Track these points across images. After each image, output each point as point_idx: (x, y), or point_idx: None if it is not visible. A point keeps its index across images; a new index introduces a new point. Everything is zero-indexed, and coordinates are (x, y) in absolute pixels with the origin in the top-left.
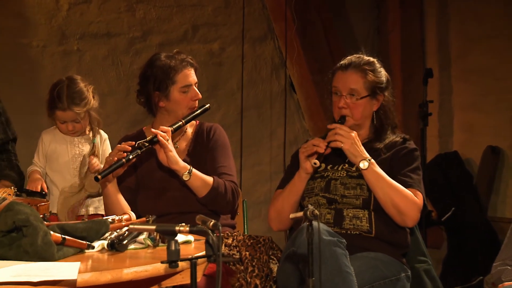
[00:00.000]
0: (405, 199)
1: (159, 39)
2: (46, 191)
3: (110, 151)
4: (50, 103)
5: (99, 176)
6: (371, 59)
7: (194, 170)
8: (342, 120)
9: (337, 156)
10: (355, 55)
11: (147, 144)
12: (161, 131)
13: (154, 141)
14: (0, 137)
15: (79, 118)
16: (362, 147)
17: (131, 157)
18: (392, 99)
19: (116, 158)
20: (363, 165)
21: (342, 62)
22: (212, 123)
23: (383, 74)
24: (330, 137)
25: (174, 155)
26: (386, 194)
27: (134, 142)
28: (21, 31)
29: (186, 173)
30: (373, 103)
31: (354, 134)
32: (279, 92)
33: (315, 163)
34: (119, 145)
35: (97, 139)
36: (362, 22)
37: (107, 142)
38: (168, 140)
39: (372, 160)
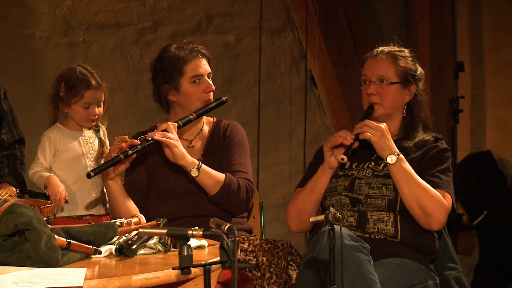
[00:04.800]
0: (433, 200)
1: (170, 30)
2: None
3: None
4: (75, 86)
5: (91, 173)
6: (403, 48)
7: (203, 166)
8: (370, 109)
9: (363, 154)
10: (386, 46)
11: (149, 138)
12: (162, 129)
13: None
14: (6, 137)
15: (103, 98)
16: (392, 142)
17: (130, 152)
18: (426, 96)
19: (113, 154)
20: (390, 159)
21: (372, 51)
22: (230, 121)
23: (416, 64)
24: (357, 129)
25: (180, 150)
26: (412, 193)
27: (138, 141)
28: (23, 21)
29: (195, 169)
30: (404, 94)
31: (384, 126)
32: (299, 87)
33: (342, 159)
34: (117, 137)
35: (101, 133)
36: (388, 11)
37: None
38: (170, 136)
39: (401, 156)
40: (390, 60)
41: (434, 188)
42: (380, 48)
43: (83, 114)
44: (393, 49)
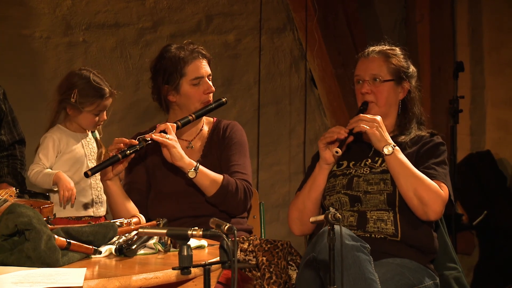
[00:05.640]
0: (429, 190)
1: (170, 30)
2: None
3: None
4: (90, 95)
5: (89, 172)
6: (394, 46)
7: (201, 167)
8: (364, 106)
9: (359, 152)
10: (377, 45)
11: (148, 139)
12: (160, 130)
13: (155, 137)
14: (6, 138)
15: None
16: (387, 134)
17: (128, 152)
18: (418, 93)
19: (111, 154)
20: (387, 150)
21: (364, 51)
22: (230, 121)
23: (408, 61)
24: (352, 124)
25: (178, 151)
26: (409, 183)
27: (137, 142)
28: (23, 21)
29: (192, 170)
30: (398, 91)
31: (379, 118)
32: (298, 87)
33: (336, 152)
34: (116, 138)
35: (96, 133)
36: (388, 11)
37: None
38: (168, 137)
39: (397, 148)
40: (382, 59)
41: (430, 179)
42: (372, 48)
43: (92, 120)
44: (385, 48)
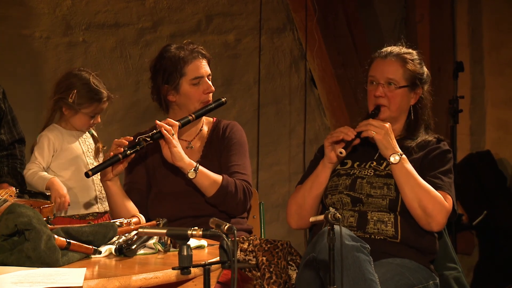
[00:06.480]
0: (434, 201)
1: (170, 30)
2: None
3: None
4: (89, 97)
5: (90, 172)
6: (412, 50)
7: (201, 167)
8: (376, 110)
9: (365, 153)
10: (394, 46)
11: (148, 139)
12: (169, 124)
13: (155, 137)
14: (6, 137)
15: None
16: (395, 142)
17: (128, 152)
18: (430, 97)
19: (112, 154)
20: (393, 159)
21: (381, 50)
22: (230, 121)
23: (423, 66)
24: (361, 127)
25: (178, 151)
26: (414, 193)
27: (132, 138)
28: (23, 21)
29: (192, 170)
30: (411, 96)
31: (388, 125)
32: (298, 87)
33: (341, 152)
34: (116, 139)
35: (92, 130)
36: (388, 11)
37: None
38: (173, 135)
39: (404, 156)
40: (399, 64)
41: (436, 189)
42: (390, 49)
43: (87, 122)
44: (402, 51)
